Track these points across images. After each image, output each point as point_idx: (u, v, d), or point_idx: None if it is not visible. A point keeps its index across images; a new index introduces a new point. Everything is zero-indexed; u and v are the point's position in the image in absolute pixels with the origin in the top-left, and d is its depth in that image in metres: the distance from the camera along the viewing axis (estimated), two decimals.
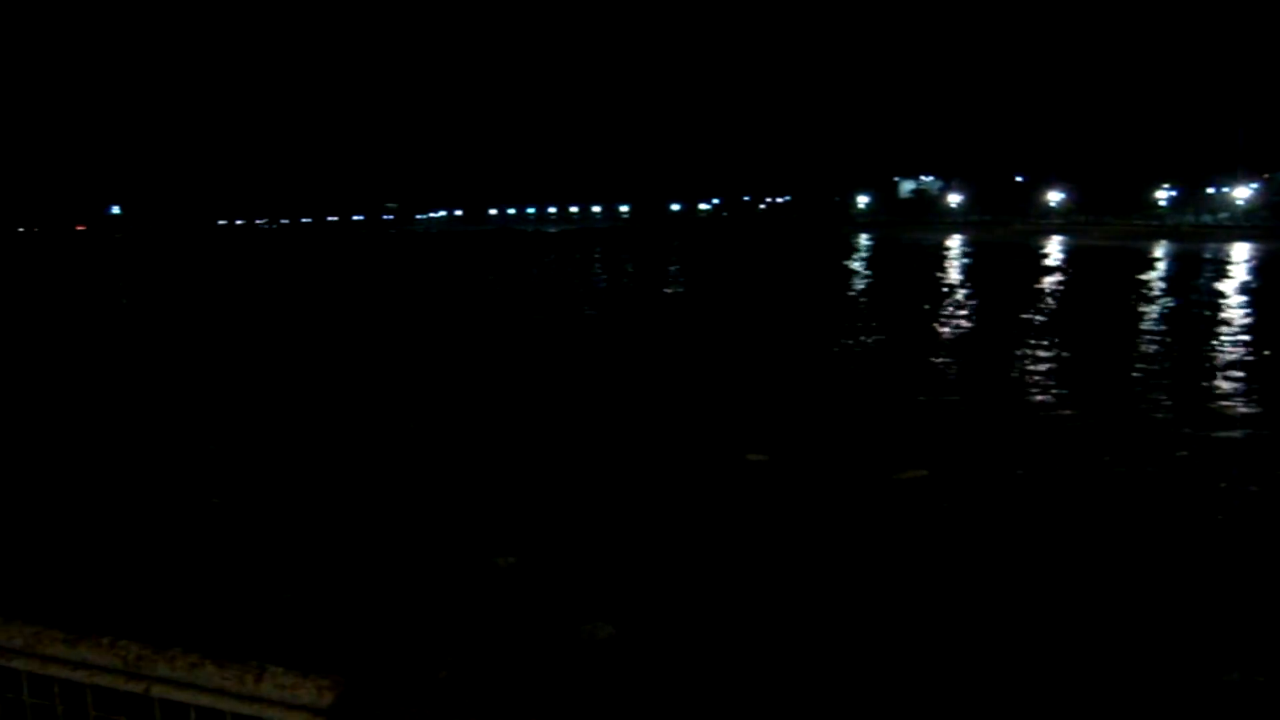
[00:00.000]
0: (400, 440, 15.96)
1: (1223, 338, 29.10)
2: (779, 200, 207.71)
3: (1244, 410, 18.44)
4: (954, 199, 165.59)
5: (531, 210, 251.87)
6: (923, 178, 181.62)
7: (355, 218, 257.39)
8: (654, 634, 8.33)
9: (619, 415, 17.75)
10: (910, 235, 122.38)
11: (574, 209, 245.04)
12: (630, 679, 7.56)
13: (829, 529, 11.34)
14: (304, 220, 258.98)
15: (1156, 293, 45.50)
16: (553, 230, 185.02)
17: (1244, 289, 48.27)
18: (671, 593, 9.28)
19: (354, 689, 2.41)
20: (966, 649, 8.15)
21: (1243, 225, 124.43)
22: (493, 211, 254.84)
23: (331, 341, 29.64)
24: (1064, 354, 25.49)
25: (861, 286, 49.96)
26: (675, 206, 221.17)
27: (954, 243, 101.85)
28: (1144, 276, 56.84)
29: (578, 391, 20.29)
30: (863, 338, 28.54)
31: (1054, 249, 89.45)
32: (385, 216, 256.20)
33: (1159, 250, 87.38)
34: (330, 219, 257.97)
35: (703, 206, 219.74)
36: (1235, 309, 37.98)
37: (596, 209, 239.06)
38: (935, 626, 8.62)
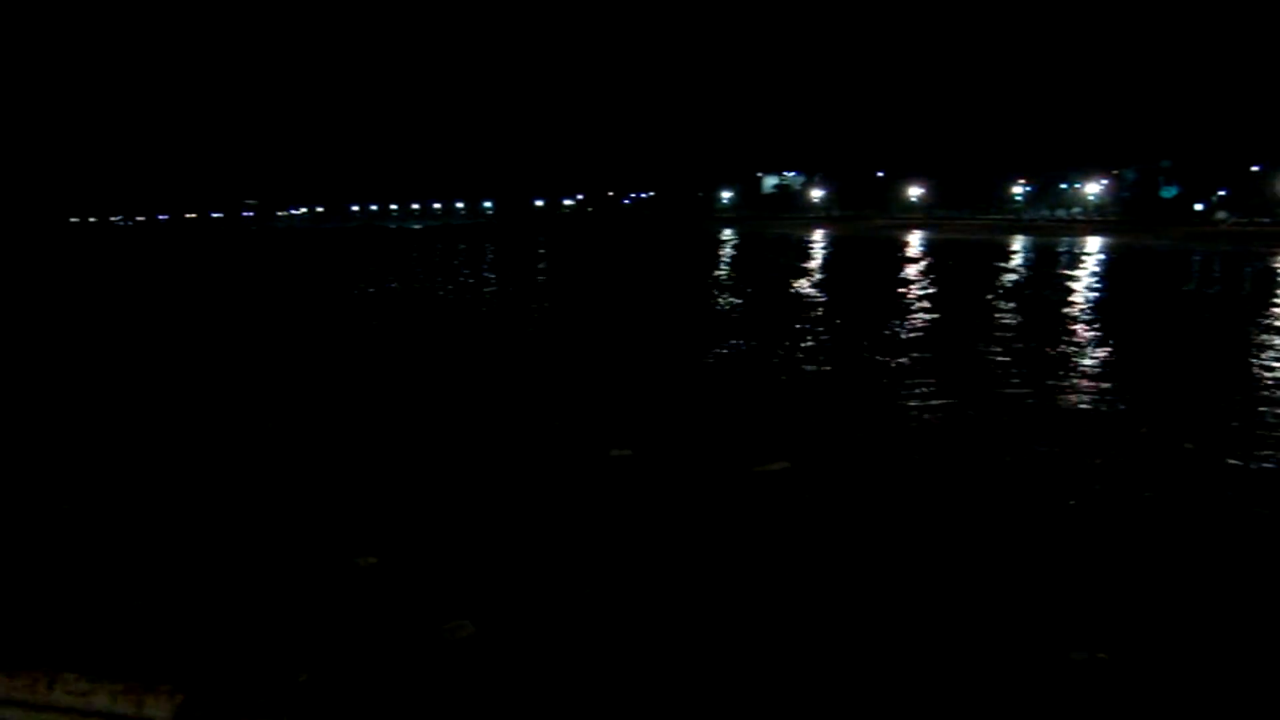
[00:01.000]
0: (262, 441, 15.48)
1: (1080, 328, 29.84)
2: (643, 195, 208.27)
3: (1103, 401, 18.86)
4: (816, 194, 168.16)
5: (394, 207, 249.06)
6: (785, 173, 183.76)
7: (214, 215, 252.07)
8: (514, 632, 8.19)
9: (486, 415, 17.44)
10: (774, 230, 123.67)
11: (437, 205, 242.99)
12: (490, 677, 7.44)
13: (686, 519, 11.21)
14: (161, 217, 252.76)
15: (1015, 284, 46.51)
16: (417, 227, 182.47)
17: (1099, 280, 50.13)
18: (532, 589, 9.07)
19: (200, 695, 2.33)
20: (813, 636, 8.11)
21: (1094, 219, 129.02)
22: (355, 208, 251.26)
23: (201, 340, 28.77)
24: (928, 346, 25.76)
25: (728, 282, 50.01)
26: (539, 202, 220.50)
27: (817, 237, 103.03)
28: (1004, 265, 58.29)
29: (446, 393, 19.92)
30: (733, 338, 28.42)
31: (914, 243, 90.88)
32: (245, 214, 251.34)
33: (1016, 243, 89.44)
34: (188, 216, 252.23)
35: (566, 202, 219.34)
36: (1091, 299, 39.12)
37: (460, 205, 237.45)
38: (782, 614, 8.57)
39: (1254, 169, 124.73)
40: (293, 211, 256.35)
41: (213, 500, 12.12)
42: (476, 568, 9.64)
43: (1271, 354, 24.66)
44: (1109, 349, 25.31)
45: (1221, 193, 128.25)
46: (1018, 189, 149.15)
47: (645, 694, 7.23)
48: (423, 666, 7.56)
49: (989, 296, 39.61)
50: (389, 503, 11.94)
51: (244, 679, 7.17)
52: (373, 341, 27.90)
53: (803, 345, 25.98)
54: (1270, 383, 20.74)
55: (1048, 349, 24.89)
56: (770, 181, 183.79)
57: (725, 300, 39.60)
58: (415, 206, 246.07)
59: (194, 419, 17.11)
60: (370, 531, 10.76)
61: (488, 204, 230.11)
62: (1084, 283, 46.93)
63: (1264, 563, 9.93)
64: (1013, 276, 51.36)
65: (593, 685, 7.34)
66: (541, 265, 65.28)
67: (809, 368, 22.56)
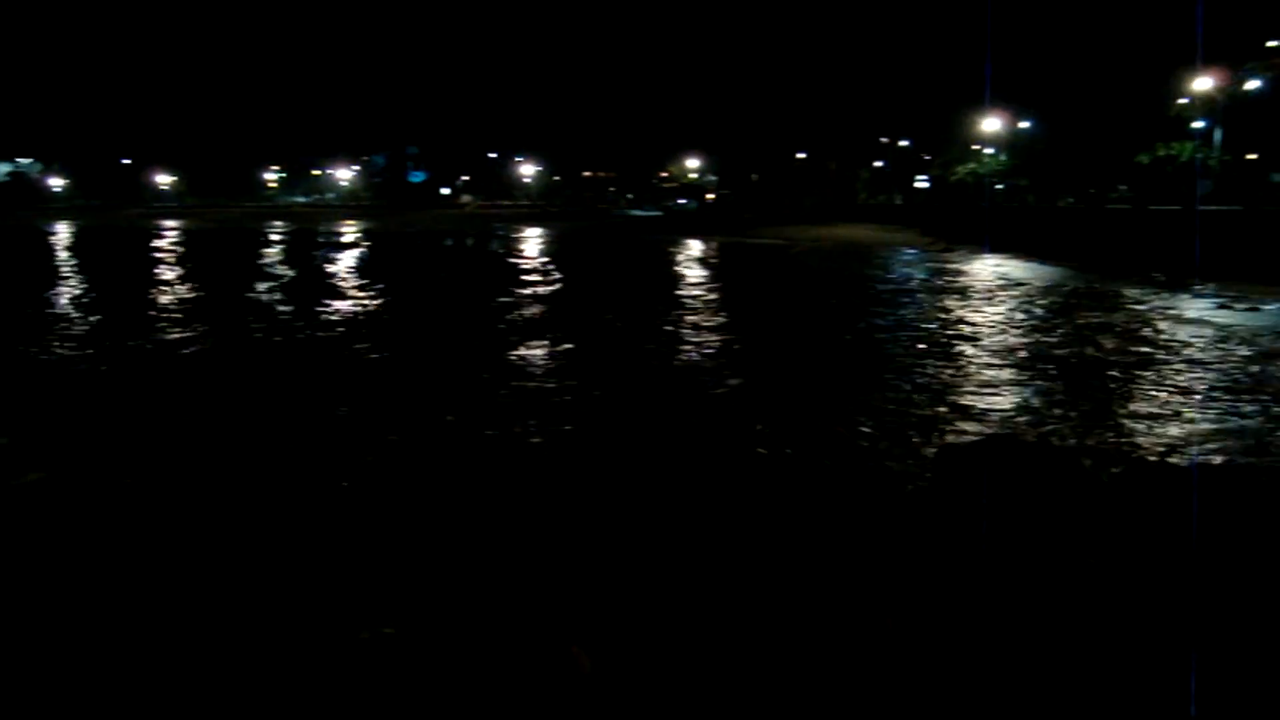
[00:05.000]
0: None
1: (348, 298, 31.34)
2: None
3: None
4: (57, 183, 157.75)
5: None
6: (19, 160, 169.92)
7: None
8: None
9: None
10: (16, 222, 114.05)
11: None
12: None
13: None
14: None
15: (280, 267, 47.48)
16: None
17: (366, 258, 53.66)
18: None
19: None
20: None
21: (349, 204, 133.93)
22: None
23: None
24: (178, 329, 25.79)
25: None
26: None
27: (61, 230, 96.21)
28: (271, 239, 58.90)
29: None
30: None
31: (170, 230, 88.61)
32: None
33: (273, 229, 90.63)
34: None
35: None
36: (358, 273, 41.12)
37: None
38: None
39: (491, 156, 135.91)
40: None
41: None
42: None
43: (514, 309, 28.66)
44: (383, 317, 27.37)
45: (465, 178, 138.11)
46: (272, 176, 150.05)
47: None
48: None
49: (263, 279, 39.87)
50: None
51: None
52: None
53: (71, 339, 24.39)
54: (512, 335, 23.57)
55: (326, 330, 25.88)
56: (3, 169, 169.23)
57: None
58: None
59: None
60: None
61: None
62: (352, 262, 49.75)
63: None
64: (279, 259, 52.83)
65: None
66: None
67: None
